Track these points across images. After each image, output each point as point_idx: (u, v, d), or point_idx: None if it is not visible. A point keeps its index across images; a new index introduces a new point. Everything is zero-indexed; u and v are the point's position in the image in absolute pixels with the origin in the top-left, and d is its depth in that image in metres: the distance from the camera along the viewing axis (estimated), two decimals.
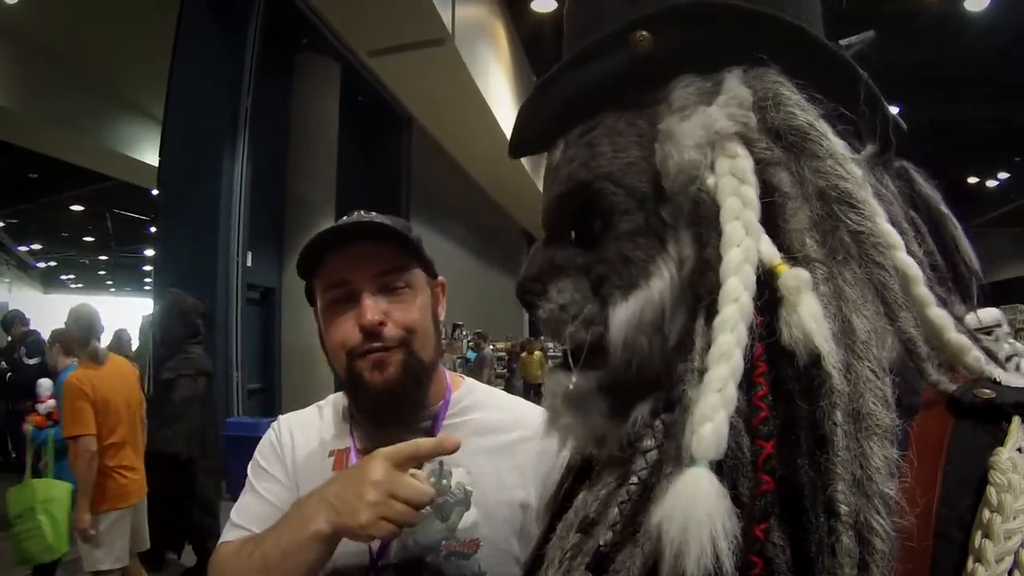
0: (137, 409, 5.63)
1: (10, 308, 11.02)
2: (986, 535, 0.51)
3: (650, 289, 0.69)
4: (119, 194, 23.02)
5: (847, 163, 0.66)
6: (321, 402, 1.69)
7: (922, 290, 0.67)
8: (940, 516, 0.54)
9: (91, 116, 16.37)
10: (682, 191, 0.68)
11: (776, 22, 0.69)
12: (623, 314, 0.70)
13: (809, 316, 0.58)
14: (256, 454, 1.62)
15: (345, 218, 1.52)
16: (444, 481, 1.47)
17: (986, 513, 0.52)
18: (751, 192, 0.64)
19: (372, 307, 1.43)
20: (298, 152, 12.30)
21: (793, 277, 0.61)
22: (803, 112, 0.66)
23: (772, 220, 0.65)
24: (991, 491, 0.53)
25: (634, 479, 0.69)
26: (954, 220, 0.78)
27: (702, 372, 0.62)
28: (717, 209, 0.65)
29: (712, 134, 0.67)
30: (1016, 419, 0.57)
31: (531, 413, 1.56)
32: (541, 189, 0.86)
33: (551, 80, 0.78)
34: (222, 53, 10.13)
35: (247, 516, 1.51)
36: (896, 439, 0.57)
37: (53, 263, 41.82)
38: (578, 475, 0.88)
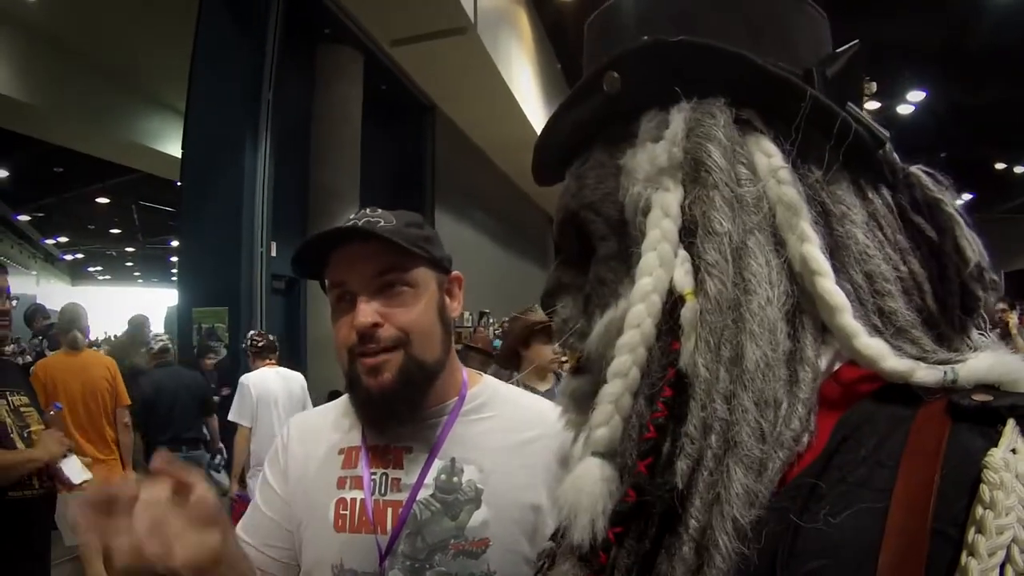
0: (103, 402, 6.03)
1: (37, 301, 11.20)
2: (979, 531, 0.53)
3: (616, 308, 0.75)
4: (144, 186, 23.30)
5: (727, 193, 0.70)
6: (336, 401, 1.71)
7: (846, 321, 0.68)
8: (936, 514, 0.55)
9: (113, 110, 16.59)
10: (632, 221, 0.75)
11: (718, 52, 0.73)
12: (596, 330, 0.78)
13: (692, 348, 0.67)
14: (265, 463, 1.68)
15: (352, 216, 1.53)
16: (455, 479, 1.48)
17: (979, 510, 0.54)
18: (670, 224, 0.71)
19: (365, 309, 1.44)
20: (322, 142, 12.36)
21: (689, 311, 0.68)
22: (709, 141, 0.71)
23: (691, 250, 0.70)
24: (984, 489, 0.54)
25: None
26: (959, 219, 0.77)
27: None
28: None
29: (654, 168, 0.73)
30: (1011, 421, 0.59)
31: (548, 412, 1.51)
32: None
33: (553, 121, 0.87)
34: (243, 45, 10.18)
35: (248, 528, 1.59)
36: (763, 470, 0.63)
37: (80, 255, 42.27)
38: None
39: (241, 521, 1.60)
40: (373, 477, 1.51)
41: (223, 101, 10.10)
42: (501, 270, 21.65)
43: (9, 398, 3.44)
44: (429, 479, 1.48)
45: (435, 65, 14.11)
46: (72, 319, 6.29)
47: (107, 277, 49.48)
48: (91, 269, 47.19)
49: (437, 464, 1.49)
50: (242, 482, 6.27)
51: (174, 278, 14.92)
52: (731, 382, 0.65)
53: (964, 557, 0.52)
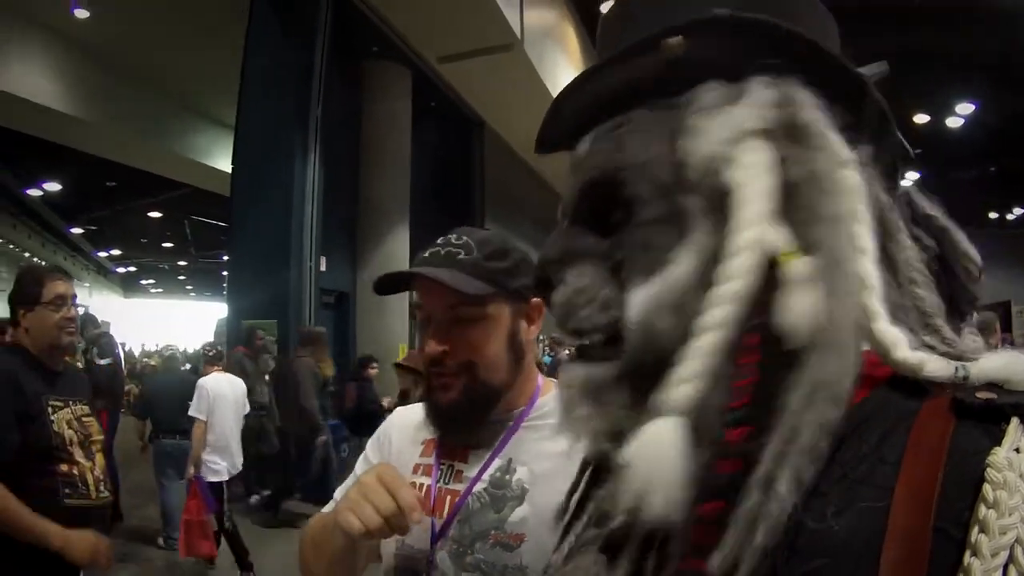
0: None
1: (87, 312, 11.47)
2: (982, 530, 0.53)
3: (668, 274, 0.71)
4: (196, 200, 23.62)
5: (842, 162, 0.70)
6: None
7: (871, 302, 0.69)
8: (939, 513, 0.55)
9: (164, 125, 16.93)
10: (705, 182, 0.72)
11: (798, 38, 0.73)
12: (642, 295, 0.72)
13: (802, 308, 0.64)
14: (368, 446, 1.87)
15: (439, 240, 1.65)
16: (507, 476, 1.60)
17: (982, 509, 0.54)
18: (766, 183, 0.69)
19: (433, 342, 1.57)
20: (371, 157, 12.49)
21: (797, 267, 0.66)
22: (811, 111, 0.71)
23: (786, 213, 0.69)
24: (987, 488, 0.54)
25: None
26: (955, 230, 0.81)
27: None
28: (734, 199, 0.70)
29: (736, 130, 0.71)
30: (1015, 420, 0.59)
31: None
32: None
33: (590, 75, 0.82)
34: (291, 61, 10.35)
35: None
36: (832, 435, 0.61)
37: (133, 268, 42.88)
38: (594, 474, 0.91)
39: (341, 489, 1.74)
40: (441, 467, 1.67)
41: (272, 116, 10.26)
42: None
43: (72, 407, 3.48)
44: (486, 475, 1.61)
45: (483, 81, 14.22)
46: None
47: (159, 290, 50.19)
48: (144, 282, 47.91)
49: (496, 462, 1.62)
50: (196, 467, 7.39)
51: (226, 291, 15.17)
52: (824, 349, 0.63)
53: (967, 557, 0.53)
